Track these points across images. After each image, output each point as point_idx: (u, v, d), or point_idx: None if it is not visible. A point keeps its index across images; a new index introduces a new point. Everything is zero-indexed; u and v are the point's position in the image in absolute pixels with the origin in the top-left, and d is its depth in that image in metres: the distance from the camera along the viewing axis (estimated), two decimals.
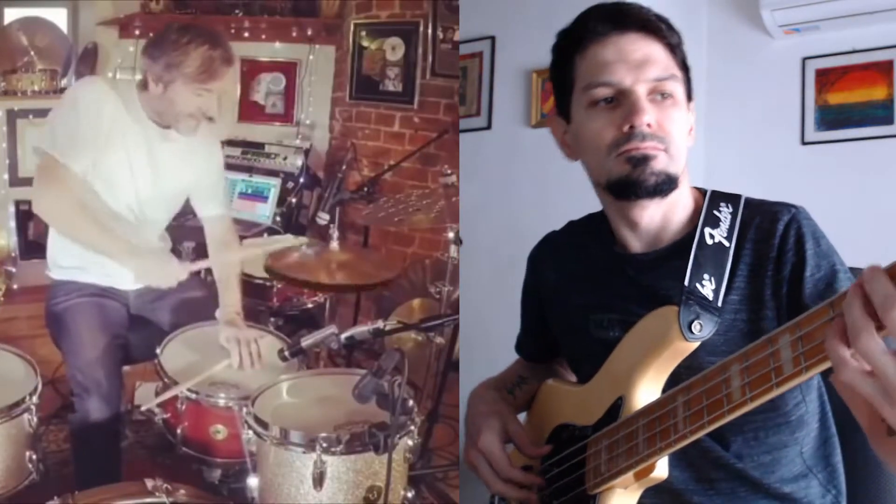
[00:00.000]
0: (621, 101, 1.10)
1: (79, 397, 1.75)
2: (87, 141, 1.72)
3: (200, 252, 1.89)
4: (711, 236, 1.11)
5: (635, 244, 1.20)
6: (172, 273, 1.79)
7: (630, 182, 1.10)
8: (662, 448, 0.96)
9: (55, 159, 1.69)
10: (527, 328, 1.47)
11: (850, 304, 0.70)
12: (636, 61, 1.10)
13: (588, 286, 1.25)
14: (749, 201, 1.17)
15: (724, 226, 1.13)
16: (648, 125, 1.08)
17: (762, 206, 1.15)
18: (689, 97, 1.17)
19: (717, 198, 1.17)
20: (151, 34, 1.91)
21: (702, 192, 1.21)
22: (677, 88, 1.12)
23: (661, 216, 1.16)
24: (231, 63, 1.80)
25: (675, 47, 1.14)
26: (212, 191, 2.02)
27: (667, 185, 1.11)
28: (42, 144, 1.72)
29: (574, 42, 1.15)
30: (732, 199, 1.17)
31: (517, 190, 2.60)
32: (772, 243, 1.10)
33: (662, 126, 1.09)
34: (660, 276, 1.14)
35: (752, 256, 1.11)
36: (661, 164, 1.09)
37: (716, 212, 1.14)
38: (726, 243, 1.11)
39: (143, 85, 1.80)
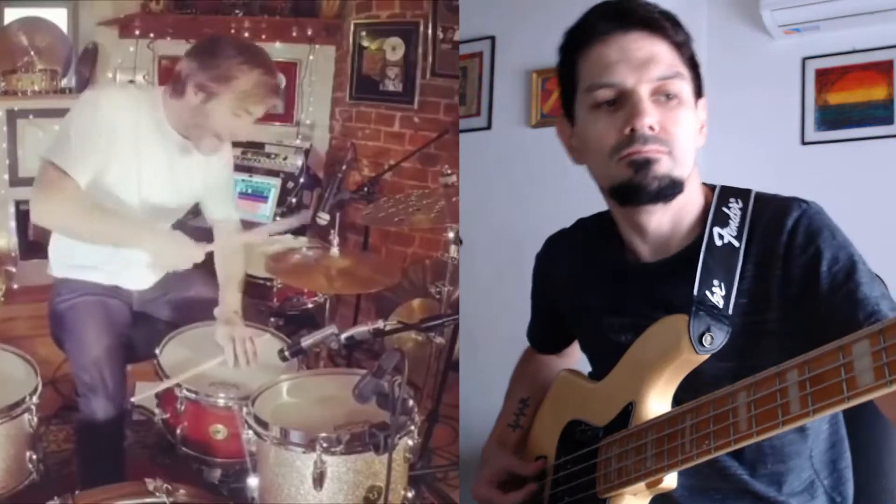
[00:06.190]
0: (623, 103, 1.07)
1: (84, 397, 1.74)
2: (96, 153, 1.68)
3: None
4: (721, 236, 1.08)
5: (644, 250, 1.17)
6: (189, 253, 1.73)
7: (632, 187, 1.07)
8: (670, 466, 0.96)
9: (58, 168, 1.64)
10: (537, 321, 1.46)
11: None
12: (639, 60, 1.06)
13: (600, 289, 1.23)
14: (759, 196, 1.13)
15: (734, 224, 1.09)
16: (651, 128, 1.05)
17: (773, 202, 1.11)
18: (699, 94, 1.13)
19: (727, 194, 1.13)
20: (195, 42, 1.87)
21: (711, 188, 1.17)
22: (683, 87, 1.08)
23: (669, 221, 1.13)
24: (276, 95, 1.77)
25: (681, 45, 1.11)
26: (223, 195, 2.01)
27: (670, 189, 1.07)
28: (48, 152, 1.66)
29: (577, 41, 1.13)
30: (742, 194, 1.13)
31: (517, 190, 2.60)
32: (780, 240, 1.06)
33: (666, 128, 1.06)
34: (672, 285, 1.10)
35: (760, 255, 1.08)
36: (664, 167, 1.05)
37: (724, 209, 1.11)
38: (736, 243, 1.08)
39: (177, 92, 1.74)
